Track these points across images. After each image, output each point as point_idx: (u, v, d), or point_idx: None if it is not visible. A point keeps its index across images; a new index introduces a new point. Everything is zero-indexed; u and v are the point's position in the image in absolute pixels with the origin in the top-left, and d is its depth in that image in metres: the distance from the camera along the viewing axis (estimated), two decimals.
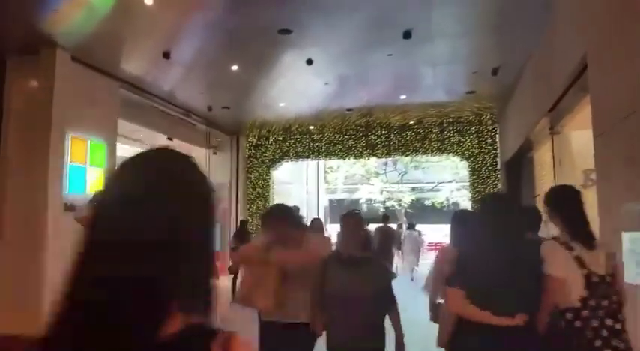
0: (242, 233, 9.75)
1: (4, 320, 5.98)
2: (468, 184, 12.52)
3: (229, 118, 11.71)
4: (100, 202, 0.86)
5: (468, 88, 9.36)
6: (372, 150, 12.67)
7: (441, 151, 12.31)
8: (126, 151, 12.54)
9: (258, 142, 13.28)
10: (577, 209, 2.70)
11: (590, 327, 2.42)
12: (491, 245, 2.47)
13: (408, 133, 12.31)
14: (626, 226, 3.38)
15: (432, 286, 3.72)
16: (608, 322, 2.44)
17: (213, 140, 12.53)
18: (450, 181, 28.57)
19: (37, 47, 6.74)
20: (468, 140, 11.93)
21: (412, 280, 12.50)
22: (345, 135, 12.74)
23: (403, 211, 29.45)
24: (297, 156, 13.22)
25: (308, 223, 7.43)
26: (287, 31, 6.55)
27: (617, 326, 2.45)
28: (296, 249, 3.44)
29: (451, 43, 7.13)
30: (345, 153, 12.91)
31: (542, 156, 8.55)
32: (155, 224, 0.78)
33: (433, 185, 30.41)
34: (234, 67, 8.02)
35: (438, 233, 20.91)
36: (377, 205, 30.00)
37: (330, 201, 29.26)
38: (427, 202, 30.63)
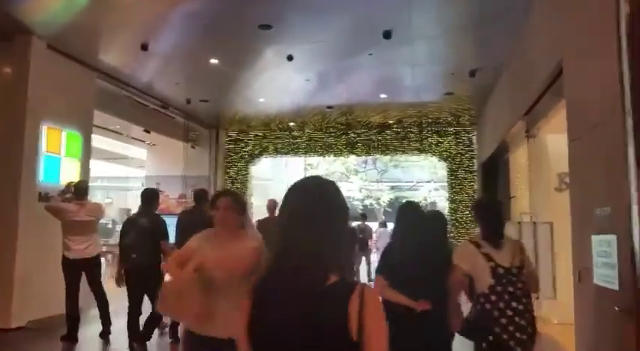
0: None
1: None
2: (445, 184, 12.64)
3: (208, 112, 11.60)
4: (284, 209, 1.47)
5: (447, 90, 9.44)
6: (351, 148, 12.71)
7: (420, 151, 12.41)
8: (102, 142, 12.41)
9: (238, 137, 13.20)
10: (493, 216, 3.39)
11: (497, 308, 3.09)
12: (405, 244, 2.99)
13: (388, 132, 12.37)
14: (596, 229, 3.45)
15: None
16: (513, 304, 3.09)
17: (192, 133, 12.41)
18: (429, 181, 28.80)
19: (11, 34, 6.60)
20: (446, 141, 12.05)
21: None
22: (326, 132, 12.75)
23: (382, 209, 29.61)
24: (277, 152, 13.19)
25: None
26: (267, 27, 6.51)
27: (520, 307, 3.10)
28: (234, 247, 2.83)
29: (430, 44, 7.19)
30: (324, 150, 12.91)
31: (518, 158, 8.68)
32: (325, 224, 1.41)
33: (412, 184, 30.62)
34: (214, 61, 7.95)
35: None
36: (356, 203, 30.09)
37: None
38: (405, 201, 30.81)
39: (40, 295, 6.54)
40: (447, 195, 12.29)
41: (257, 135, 13.11)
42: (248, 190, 13.09)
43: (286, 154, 13.40)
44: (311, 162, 27.76)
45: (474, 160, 11.86)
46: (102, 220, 9.11)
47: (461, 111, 11.19)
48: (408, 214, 3.52)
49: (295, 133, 12.93)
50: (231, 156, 13.20)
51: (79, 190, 5.98)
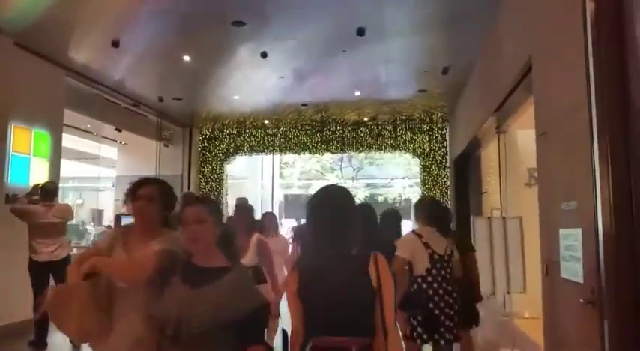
0: None
1: None
2: (419, 180, 12.76)
3: (181, 110, 11.47)
4: (313, 206, 2.17)
5: (420, 87, 9.53)
6: (326, 145, 12.72)
7: (394, 148, 12.49)
8: (73, 141, 12.16)
9: (212, 135, 13.08)
10: (433, 212, 4.18)
11: (432, 288, 3.86)
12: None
13: (362, 129, 12.43)
14: (563, 223, 3.53)
15: None
16: (444, 284, 3.90)
17: (165, 132, 12.26)
18: (403, 178, 29.03)
19: None
20: (420, 138, 12.16)
21: None
22: (300, 130, 12.73)
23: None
24: (252, 150, 13.12)
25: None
26: (241, 24, 6.47)
27: (450, 288, 3.91)
28: (144, 249, 2.37)
29: (403, 41, 7.24)
30: (299, 148, 12.90)
31: (489, 154, 8.82)
32: (347, 215, 2.11)
33: (387, 181, 30.82)
34: (187, 58, 7.87)
35: None
36: None
37: (286, 196, 29.21)
38: (380, 198, 31.04)
39: (5, 299, 6.35)
40: (421, 191, 12.41)
41: (231, 133, 13.02)
42: (223, 190, 13.00)
43: (261, 152, 13.33)
44: (287, 160, 27.74)
45: (447, 157, 12.00)
46: (73, 222, 8.94)
47: (434, 108, 11.31)
48: (366, 214, 4.03)
49: (270, 131, 12.88)
50: (206, 155, 13.08)
51: (47, 192, 5.86)
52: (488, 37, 6.56)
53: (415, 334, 3.91)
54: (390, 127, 12.31)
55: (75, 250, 9.37)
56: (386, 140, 12.37)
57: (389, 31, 6.78)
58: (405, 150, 12.45)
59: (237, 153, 13.16)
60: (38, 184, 6.05)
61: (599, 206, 2.74)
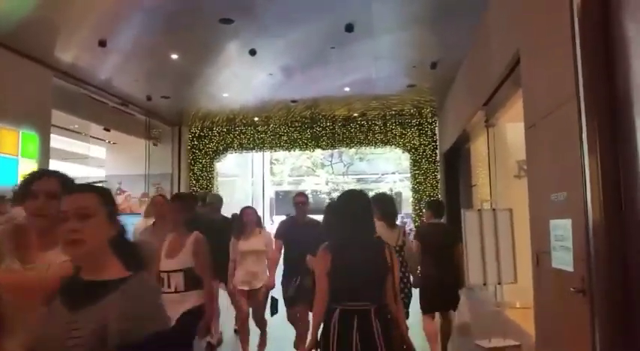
0: None
1: None
2: (409, 175, 12.82)
3: (170, 109, 11.41)
4: (341, 206, 3.01)
5: (409, 82, 9.56)
6: (316, 142, 12.72)
7: (384, 143, 12.53)
8: (61, 142, 12.06)
9: (201, 133, 13.03)
10: (387, 207, 4.64)
11: None
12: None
13: (352, 125, 12.45)
14: (553, 214, 3.58)
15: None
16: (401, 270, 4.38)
17: (154, 131, 12.19)
18: (393, 173, 29.16)
19: None
20: (409, 133, 12.21)
21: None
22: (290, 126, 12.72)
23: None
24: (242, 147, 13.09)
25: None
26: (229, 21, 6.45)
27: (400, 275, 4.28)
28: (43, 259, 1.90)
29: (392, 37, 7.27)
30: (290, 145, 12.89)
31: (479, 147, 8.88)
32: (369, 212, 2.91)
33: (377, 176, 30.92)
34: (174, 56, 7.83)
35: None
36: (323, 196, 30.19)
37: (277, 193, 29.21)
38: (371, 193, 31.06)
39: None
40: (411, 185, 12.47)
41: (221, 131, 12.98)
42: (214, 188, 12.96)
43: (251, 149, 13.31)
44: (277, 157, 27.72)
45: (437, 151, 12.06)
46: None
47: (423, 103, 11.35)
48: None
49: (260, 128, 12.85)
50: (195, 153, 13.03)
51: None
52: (476, 32, 6.60)
53: None
54: (380, 123, 12.34)
55: None
56: (376, 135, 12.40)
57: (377, 27, 6.80)
58: (395, 145, 12.49)
59: (227, 151, 13.13)
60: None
61: (589, 196, 2.77)
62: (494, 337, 5.62)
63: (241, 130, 12.91)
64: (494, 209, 5.95)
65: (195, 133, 13.00)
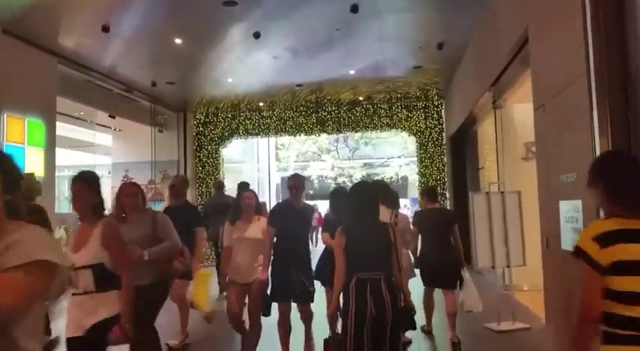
0: None
1: None
2: (415, 158, 12.74)
3: (175, 95, 11.37)
4: (357, 196, 3.47)
5: (415, 63, 9.45)
6: (322, 126, 12.66)
7: (390, 126, 12.44)
8: (67, 129, 12.07)
9: (207, 119, 12.99)
10: (385, 194, 4.63)
11: None
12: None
13: (358, 109, 12.36)
14: (563, 195, 3.53)
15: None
16: None
17: (159, 117, 12.16)
18: (399, 156, 29.08)
19: None
20: (415, 116, 12.11)
21: None
22: (296, 111, 12.65)
23: None
24: (247, 133, 13.04)
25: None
26: (232, 3, 6.36)
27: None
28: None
29: (397, 17, 7.15)
30: (295, 130, 12.83)
31: (486, 129, 8.80)
32: (376, 200, 3.46)
33: (383, 160, 30.86)
34: (178, 41, 7.76)
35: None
36: (328, 181, 30.21)
37: (282, 178, 29.23)
38: (377, 177, 31.11)
39: None
40: (417, 169, 12.41)
41: (226, 117, 12.93)
42: (220, 174, 12.96)
43: (257, 135, 13.25)
44: (282, 142, 27.67)
45: (443, 134, 11.98)
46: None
47: (429, 85, 11.24)
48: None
49: (265, 114, 12.79)
50: (201, 139, 13.00)
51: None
52: (483, 11, 6.48)
53: None
54: (386, 106, 12.24)
55: None
56: (381, 119, 12.31)
57: (383, 7, 6.69)
58: (401, 128, 12.41)
59: (232, 136, 13.09)
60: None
61: None
62: (503, 320, 5.62)
63: (246, 115, 12.86)
64: (502, 192, 5.91)
65: (201, 119, 12.97)
